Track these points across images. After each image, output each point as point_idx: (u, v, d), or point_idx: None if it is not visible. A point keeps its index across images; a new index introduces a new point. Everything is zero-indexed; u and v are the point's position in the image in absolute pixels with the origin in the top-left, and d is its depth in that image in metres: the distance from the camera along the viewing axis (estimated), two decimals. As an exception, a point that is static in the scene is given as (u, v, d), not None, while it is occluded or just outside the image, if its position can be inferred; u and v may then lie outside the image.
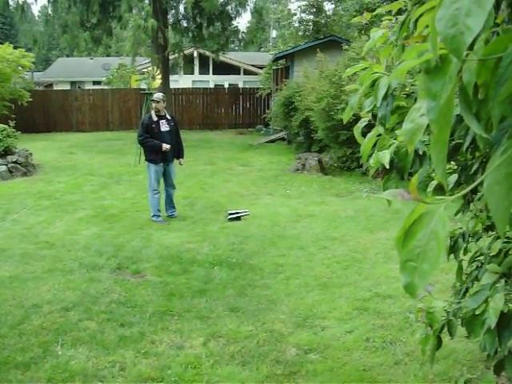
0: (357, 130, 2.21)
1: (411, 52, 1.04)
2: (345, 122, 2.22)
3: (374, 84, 1.97)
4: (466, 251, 3.22)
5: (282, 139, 20.98)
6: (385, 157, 1.97)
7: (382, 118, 1.93)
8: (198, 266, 6.70)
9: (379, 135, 2.10)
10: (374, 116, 2.13)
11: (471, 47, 0.95)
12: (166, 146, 8.69)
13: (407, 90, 2.27)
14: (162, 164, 8.84)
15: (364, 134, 2.24)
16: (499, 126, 1.01)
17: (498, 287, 2.03)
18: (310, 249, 7.42)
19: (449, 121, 0.83)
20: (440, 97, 0.83)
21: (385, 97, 1.86)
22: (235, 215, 9.02)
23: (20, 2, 20.27)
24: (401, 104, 2.13)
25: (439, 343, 2.52)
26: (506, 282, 2.09)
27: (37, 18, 62.87)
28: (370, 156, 2.12)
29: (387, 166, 1.98)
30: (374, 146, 2.16)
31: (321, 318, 5.23)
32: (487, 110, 0.98)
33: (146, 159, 9.01)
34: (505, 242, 2.42)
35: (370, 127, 2.28)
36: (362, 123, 2.23)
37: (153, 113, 8.85)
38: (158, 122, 8.80)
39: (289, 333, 4.93)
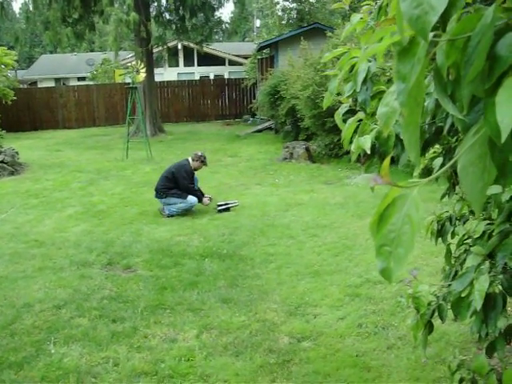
0: (338, 116, 2.20)
1: (380, 34, 1.02)
2: (324, 107, 2.20)
3: (353, 69, 1.95)
4: (453, 234, 3.23)
5: (269, 129, 20.96)
6: (366, 142, 1.95)
7: (363, 102, 1.92)
8: (188, 259, 6.69)
9: (360, 120, 2.09)
10: (356, 101, 2.12)
11: (444, 28, 0.94)
12: (206, 202, 9.16)
13: (388, 74, 2.26)
14: None
15: (347, 121, 2.23)
16: (475, 108, 1.00)
17: (482, 269, 2.04)
18: (300, 237, 7.42)
19: (419, 103, 0.82)
20: (409, 79, 0.81)
21: (364, 81, 1.85)
22: (224, 206, 9.01)
23: (0, 0, 20.06)
24: (382, 88, 2.12)
25: (431, 328, 2.53)
26: (490, 263, 2.09)
27: (18, 16, 62.18)
28: (352, 141, 2.11)
29: (368, 152, 1.97)
30: (356, 131, 2.15)
31: (313, 305, 5.24)
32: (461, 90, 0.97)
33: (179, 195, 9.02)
34: (488, 224, 2.43)
35: (353, 113, 2.27)
36: (342, 109, 2.22)
37: (191, 163, 9.10)
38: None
39: (281, 322, 4.93)
